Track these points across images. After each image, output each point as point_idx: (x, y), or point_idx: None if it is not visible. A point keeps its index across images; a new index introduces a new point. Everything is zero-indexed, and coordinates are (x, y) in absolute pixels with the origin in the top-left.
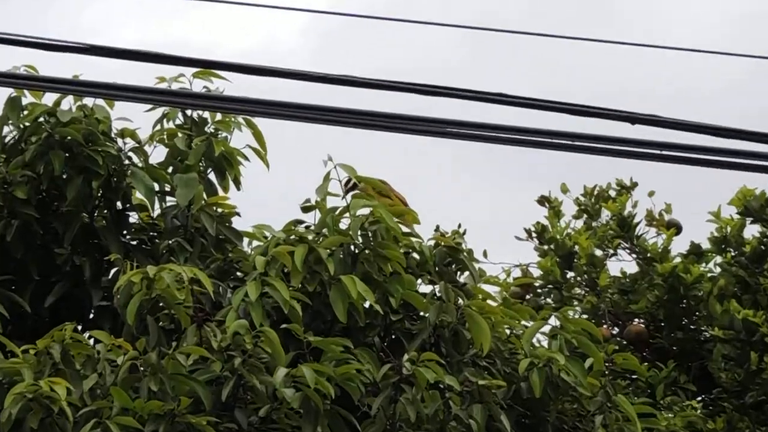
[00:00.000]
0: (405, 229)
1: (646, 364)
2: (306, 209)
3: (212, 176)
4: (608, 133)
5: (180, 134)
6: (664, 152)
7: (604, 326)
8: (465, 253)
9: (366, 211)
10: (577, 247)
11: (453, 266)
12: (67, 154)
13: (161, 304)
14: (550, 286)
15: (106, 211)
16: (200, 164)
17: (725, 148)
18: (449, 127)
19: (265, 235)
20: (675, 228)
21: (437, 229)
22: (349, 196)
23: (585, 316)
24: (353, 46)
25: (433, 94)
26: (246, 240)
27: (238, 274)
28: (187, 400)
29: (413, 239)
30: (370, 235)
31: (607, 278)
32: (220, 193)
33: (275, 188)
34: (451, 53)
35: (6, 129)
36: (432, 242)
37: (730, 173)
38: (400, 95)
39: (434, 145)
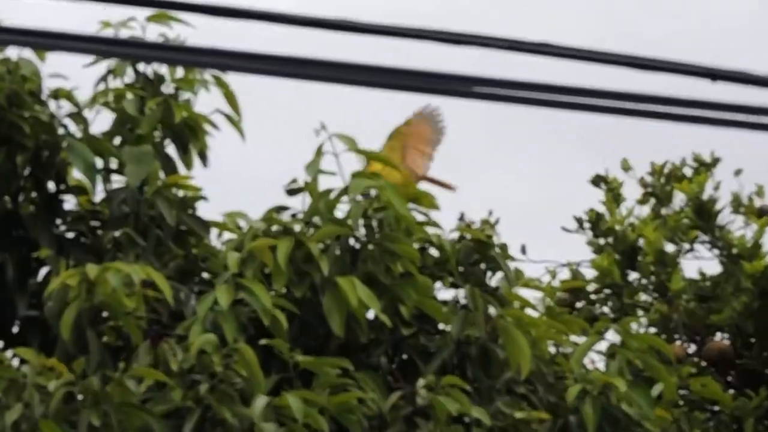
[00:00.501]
0: (421, 218)
1: (731, 391)
2: (292, 192)
3: (171, 150)
4: (682, 94)
5: (130, 95)
6: (755, 119)
7: (678, 343)
8: (497, 249)
9: (370, 193)
10: (642, 241)
11: (482, 265)
12: None
13: (105, 315)
14: (607, 290)
15: (34, 194)
16: (156, 134)
17: None
18: (476, 86)
19: (240, 226)
20: None
21: (462, 217)
22: (347, 174)
23: (653, 330)
24: None
25: (456, 42)
26: (215, 231)
27: (205, 275)
28: None
29: (431, 231)
30: (375, 225)
31: (681, 281)
32: (182, 171)
33: (252, 165)
34: None
35: None
36: (455, 235)
37: None
38: (413, 44)
39: (458, 110)
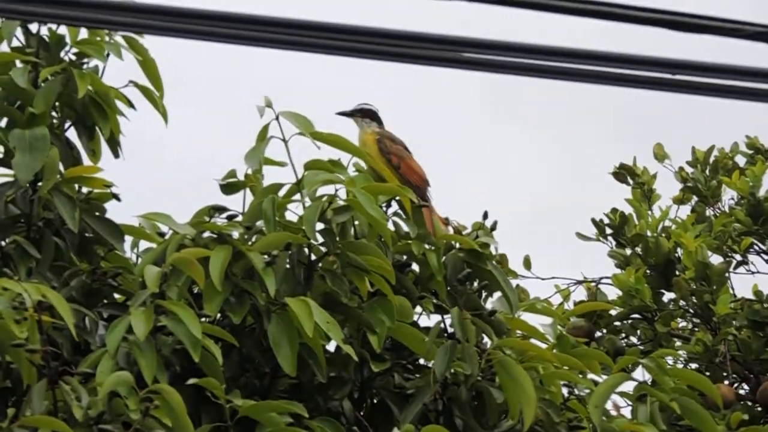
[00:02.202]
0: (402, 225)
1: None
2: (229, 188)
3: (73, 134)
4: (731, 60)
5: (20, 63)
6: None
7: (726, 382)
8: (494, 262)
9: (329, 189)
10: (680, 251)
11: (475, 283)
12: None
13: None
14: (635, 315)
15: None
16: (53, 113)
17: None
18: (467, 50)
19: (161, 232)
20: None
21: (448, 221)
22: (299, 166)
23: (694, 366)
24: None
25: None
26: (129, 240)
27: (117, 296)
28: None
29: (409, 240)
30: (336, 230)
31: (730, 302)
32: (86, 162)
33: (178, 155)
34: None
35: None
36: (441, 244)
37: None
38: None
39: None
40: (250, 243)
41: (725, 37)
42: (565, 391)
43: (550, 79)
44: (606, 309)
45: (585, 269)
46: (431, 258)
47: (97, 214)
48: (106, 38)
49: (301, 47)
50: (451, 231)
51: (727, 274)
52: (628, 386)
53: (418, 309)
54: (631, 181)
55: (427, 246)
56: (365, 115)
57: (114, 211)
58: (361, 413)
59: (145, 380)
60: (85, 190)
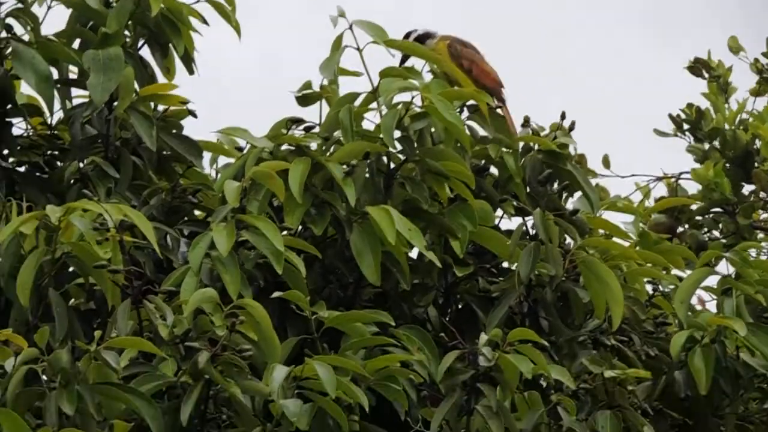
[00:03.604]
0: (478, 129)
1: None
2: (305, 100)
3: (147, 52)
4: None
5: None
6: None
7: None
8: (574, 162)
9: (407, 96)
10: (758, 143)
11: (555, 184)
12: None
13: (72, 269)
14: (716, 209)
15: None
16: (126, 33)
17: None
18: None
19: (239, 147)
20: None
21: (526, 122)
22: (374, 75)
23: None
24: None
25: None
26: (207, 156)
27: (197, 213)
28: (123, 426)
29: (487, 145)
30: (414, 137)
31: None
32: (161, 79)
33: (251, 69)
34: None
35: None
36: (518, 146)
37: None
38: None
39: None
40: (328, 154)
41: None
42: (649, 288)
43: None
44: (687, 204)
45: (664, 165)
46: (509, 160)
47: (174, 131)
48: None
49: None
50: (529, 132)
51: None
52: (712, 280)
53: (499, 212)
54: (706, 75)
55: (504, 149)
56: (421, 39)
57: (191, 128)
58: (446, 319)
59: (230, 296)
60: (161, 108)
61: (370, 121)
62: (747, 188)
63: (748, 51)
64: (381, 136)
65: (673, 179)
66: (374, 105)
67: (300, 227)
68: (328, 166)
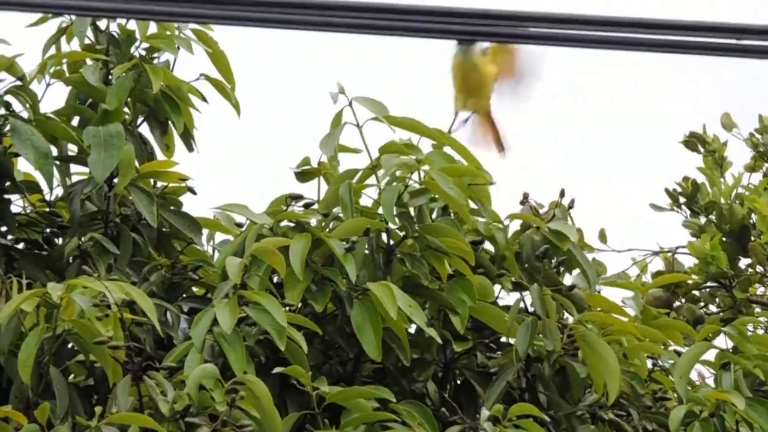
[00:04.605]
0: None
1: None
2: (304, 176)
3: (146, 129)
4: None
5: (90, 62)
6: None
7: None
8: (572, 238)
9: (407, 173)
10: (754, 217)
11: (552, 260)
12: None
13: (72, 347)
14: (713, 283)
15: None
16: (126, 110)
17: None
18: (529, 25)
19: (239, 223)
20: None
21: (525, 199)
22: (374, 149)
23: None
24: None
25: None
26: (206, 232)
27: (196, 289)
28: None
29: (482, 219)
30: (414, 213)
31: None
32: (161, 156)
33: (250, 146)
34: None
35: None
36: (516, 223)
37: None
38: None
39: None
40: (327, 230)
41: None
42: (649, 363)
43: (616, 50)
44: (683, 279)
45: (661, 240)
46: (498, 236)
47: (173, 208)
48: (176, 32)
49: (360, 29)
50: (528, 209)
51: None
52: (711, 355)
53: (497, 287)
54: (702, 149)
55: (495, 224)
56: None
57: (190, 204)
58: (446, 394)
59: (233, 371)
60: (160, 184)
61: (369, 197)
62: (743, 262)
63: (740, 127)
64: (380, 212)
65: (669, 253)
66: (373, 180)
67: (300, 303)
68: (329, 242)
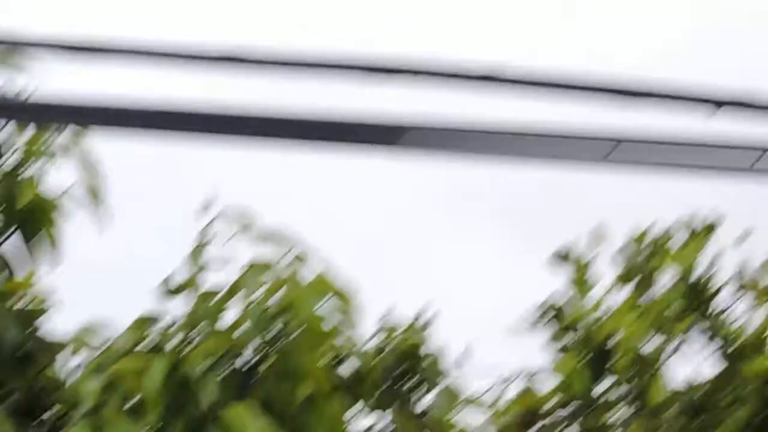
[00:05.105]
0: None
1: None
2: (171, 292)
3: (9, 243)
4: (671, 131)
5: None
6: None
7: None
8: (430, 358)
9: (271, 292)
10: (617, 336)
11: (411, 379)
12: None
13: None
14: (574, 403)
15: None
16: None
17: None
18: (410, 135)
19: (99, 343)
20: None
21: (387, 316)
22: (238, 267)
23: None
24: None
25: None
26: (67, 351)
27: (53, 411)
28: None
29: (345, 337)
30: (276, 333)
31: (665, 389)
32: (25, 271)
33: (117, 260)
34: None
35: None
36: (377, 341)
37: None
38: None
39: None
40: (188, 350)
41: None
42: None
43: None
44: (541, 404)
45: (526, 357)
46: (361, 356)
47: (32, 328)
48: (49, 142)
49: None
50: (386, 329)
51: (664, 358)
52: None
53: (357, 407)
54: (569, 267)
55: (358, 345)
56: None
57: (53, 320)
58: None
59: None
60: (20, 303)
61: (232, 315)
62: (607, 382)
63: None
64: (242, 331)
65: (531, 373)
66: (237, 299)
67: (159, 425)
68: (188, 363)
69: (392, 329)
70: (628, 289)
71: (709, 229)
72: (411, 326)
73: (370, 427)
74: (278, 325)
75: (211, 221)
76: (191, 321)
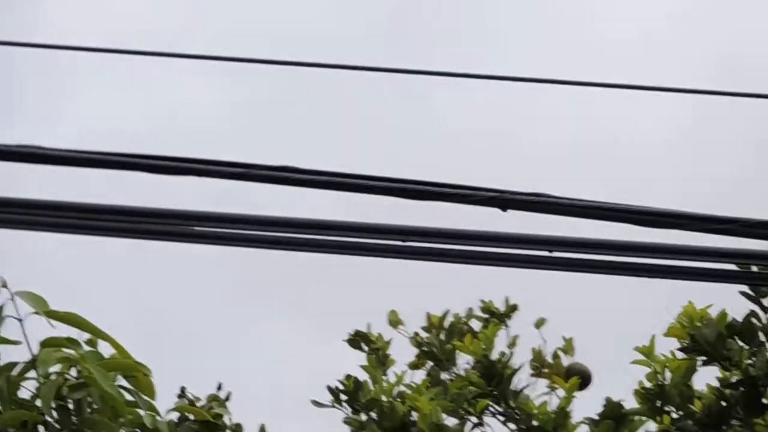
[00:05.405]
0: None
1: None
2: None
3: None
4: (466, 226)
5: None
6: (560, 253)
7: None
8: (234, 427)
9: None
10: (415, 415)
11: None
12: None
13: None
14: None
15: None
16: None
17: (666, 246)
18: (199, 224)
19: None
20: (579, 378)
21: (182, 393)
22: (36, 343)
23: None
24: None
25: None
26: None
27: None
28: None
29: (141, 412)
30: (72, 407)
31: None
32: None
33: None
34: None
35: None
36: (175, 415)
37: (671, 284)
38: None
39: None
40: None
41: (457, 203)
42: None
43: (291, 251)
44: None
45: None
46: (162, 428)
47: None
48: None
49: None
50: (185, 402)
51: None
52: None
53: None
54: (366, 348)
55: (158, 418)
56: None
57: None
58: None
59: None
60: None
61: (29, 390)
62: None
63: (409, 324)
64: (39, 405)
65: None
66: (33, 374)
67: None
68: None
69: (193, 401)
70: (425, 371)
71: (507, 313)
72: (212, 398)
73: None
74: (77, 397)
75: (5, 302)
76: None
